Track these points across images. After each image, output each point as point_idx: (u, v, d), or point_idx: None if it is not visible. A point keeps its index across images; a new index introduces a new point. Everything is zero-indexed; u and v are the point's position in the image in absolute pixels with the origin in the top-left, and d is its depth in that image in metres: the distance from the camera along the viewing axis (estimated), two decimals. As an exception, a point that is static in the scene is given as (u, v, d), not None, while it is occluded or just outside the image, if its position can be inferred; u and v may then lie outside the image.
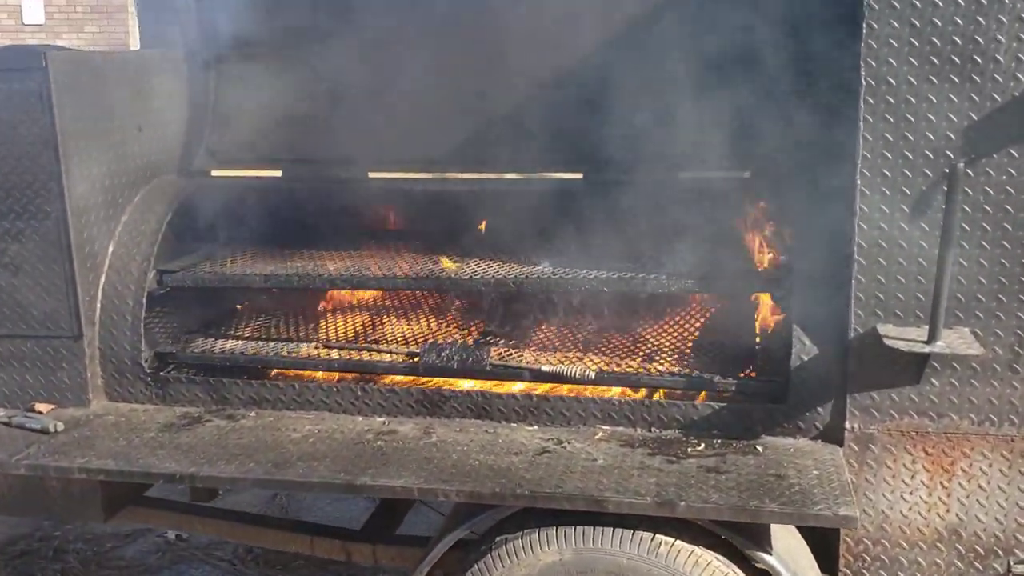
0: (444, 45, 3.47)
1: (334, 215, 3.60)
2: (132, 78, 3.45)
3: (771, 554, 2.51)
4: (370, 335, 3.41)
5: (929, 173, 2.54)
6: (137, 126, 3.48)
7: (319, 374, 3.30)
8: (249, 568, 4.41)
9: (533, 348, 3.19)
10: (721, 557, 2.52)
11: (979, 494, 2.71)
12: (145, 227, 3.35)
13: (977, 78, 2.47)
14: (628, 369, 3.01)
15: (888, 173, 2.56)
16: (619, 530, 2.53)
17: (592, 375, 2.95)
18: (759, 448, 2.75)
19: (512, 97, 3.40)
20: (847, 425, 2.73)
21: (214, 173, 3.82)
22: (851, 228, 2.61)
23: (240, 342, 3.40)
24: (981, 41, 2.45)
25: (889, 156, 2.55)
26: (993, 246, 2.55)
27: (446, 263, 3.28)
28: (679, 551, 2.50)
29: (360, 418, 3.09)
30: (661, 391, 3.01)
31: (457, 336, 3.32)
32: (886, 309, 2.64)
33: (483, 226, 3.59)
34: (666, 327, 3.28)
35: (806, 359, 2.76)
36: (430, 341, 3.22)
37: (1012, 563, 2.68)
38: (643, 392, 3.01)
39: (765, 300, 3.08)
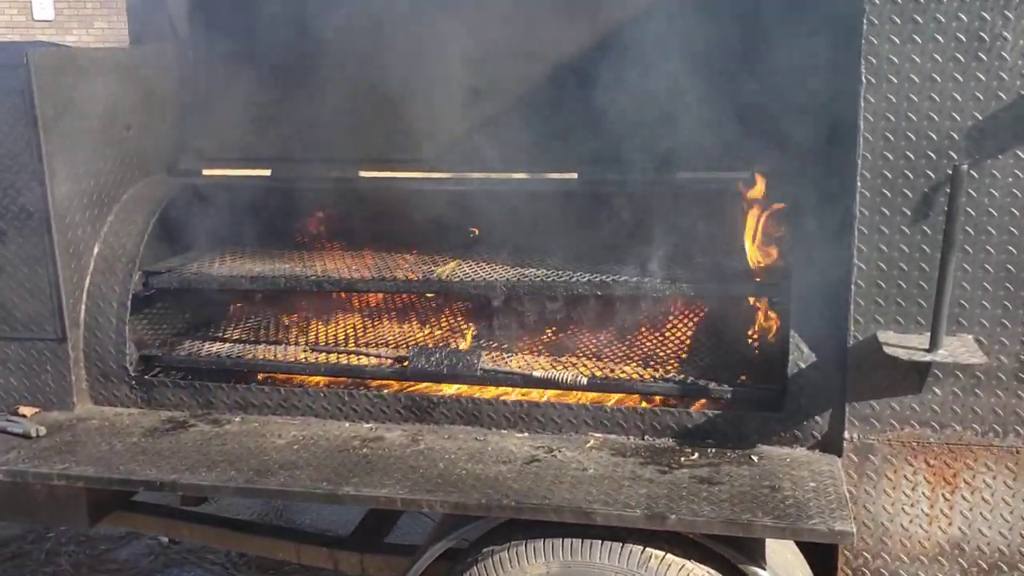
0: (438, 41, 3.39)
1: (325, 215, 3.52)
2: (120, 76, 3.38)
3: (765, 569, 2.43)
4: (361, 339, 3.34)
5: (932, 175, 2.44)
6: (125, 125, 3.41)
7: (309, 379, 3.23)
8: (241, 572, 4.35)
9: (525, 353, 3.11)
10: (713, 572, 2.43)
11: (983, 507, 2.62)
12: (131, 228, 3.29)
13: (982, 76, 2.37)
14: (622, 375, 2.93)
15: (889, 174, 2.47)
16: (608, 543, 2.45)
17: (584, 381, 2.87)
18: (754, 458, 2.67)
19: (505, 95, 3.32)
20: (846, 435, 2.64)
21: (205, 172, 3.75)
22: (851, 231, 2.52)
23: (227, 345, 3.33)
24: (987, 38, 2.35)
25: (890, 157, 2.46)
26: (998, 251, 2.46)
27: (437, 265, 3.20)
28: (669, 565, 2.42)
29: (347, 424, 3.02)
30: (655, 398, 2.92)
31: (448, 340, 3.24)
32: (887, 315, 2.55)
33: (476, 228, 3.52)
34: (662, 332, 3.19)
35: (804, 366, 2.67)
36: (419, 345, 3.14)
37: (1017, 579, 2.60)
38: (636, 399, 2.93)
39: (764, 305, 2.99)
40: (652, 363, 2.98)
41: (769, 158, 3.00)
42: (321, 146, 3.48)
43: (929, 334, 2.43)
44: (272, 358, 3.20)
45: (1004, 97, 2.37)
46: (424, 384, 3.09)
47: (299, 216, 3.51)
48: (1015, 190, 2.41)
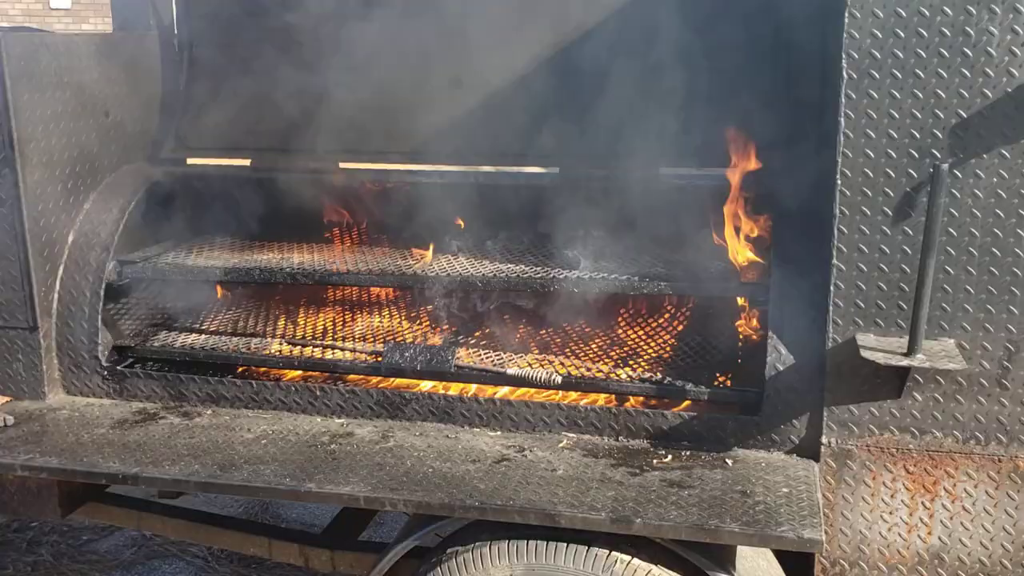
0: (419, 32, 3.33)
1: (305, 206, 3.46)
2: (99, 62, 3.33)
3: (734, 576, 2.37)
4: (337, 332, 3.29)
5: (914, 173, 2.37)
6: (104, 111, 3.37)
7: (282, 372, 3.18)
8: (222, 565, 4.31)
9: (501, 350, 3.05)
10: (680, 578, 2.37)
11: (963, 516, 2.54)
12: (106, 216, 3.25)
13: (967, 72, 2.29)
14: (598, 374, 2.86)
15: (870, 173, 2.39)
16: (573, 546, 2.39)
17: (558, 380, 2.81)
18: (729, 462, 2.60)
19: (488, 87, 3.25)
20: (824, 439, 2.57)
21: (189, 161, 3.71)
22: (830, 231, 2.45)
23: (202, 337, 3.29)
24: (972, 33, 2.27)
25: (871, 155, 2.38)
26: (982, 253, 2.38)
27: (415, 259, 3.15)
28: (635, 570, 2.36)
29: (319, 419, 2.97)
30: (631, 398, 2.86)
31: (423, 336, 3.19)
32: (866, 318, 2.48)
33: (460, 222, 3.45)
34: (642, 332, 3.13)
35: (782, 369, 2.61)
36: (394, 341, 3.09)
37: (997, 591, 2.52)
38: (612, 399, 2.87)
39: (746, 305, 2.93)
40: (630, 362, 2.92)
41: (754, 154, 2.92)
42: (302, 137, 3.42)
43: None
44: (246, 351, 3.15)
45: (990, 95, 2.29)
46: (400, 380, 3.03)
47: (280, 207, 3.45)
48: (1000, 191, 2.34)
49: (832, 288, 2.47)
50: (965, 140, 2.32)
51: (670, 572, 2.37)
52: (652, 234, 3.01)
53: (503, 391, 2.92)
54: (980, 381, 2.45)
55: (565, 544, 2.39)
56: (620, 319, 3.18)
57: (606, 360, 2.95)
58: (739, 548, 2.49)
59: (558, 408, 2.79)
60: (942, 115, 2.32)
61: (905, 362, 2.32)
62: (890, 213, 2.40)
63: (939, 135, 2.33)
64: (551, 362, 2.95)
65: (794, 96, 2.91)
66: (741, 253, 2.89)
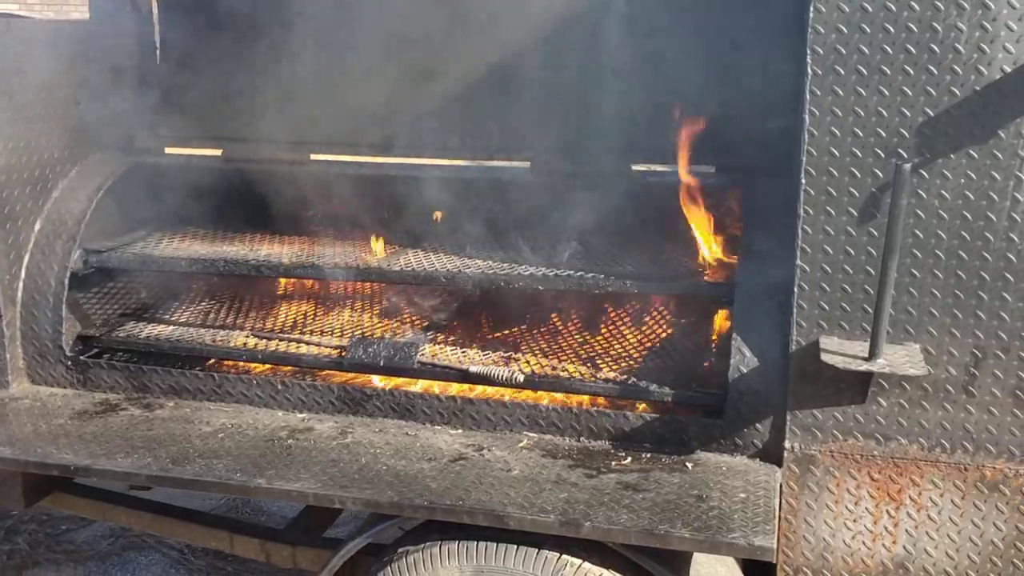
0: (396, 23, 3.28)
1: (277, 198, 3.43)
2: (70, 49, 3.30)
3: (687, 583, 2.32)
4: (307, 326, 3.25)
5: (879, 173, 2.30)
6: (74, 99, 3.34)
7: (246, 365, 3.15)
8: (198, 558, 4.29)
9: (467, 347, 3.00)
10: (632, 583, 2.32)
11: (928, 526, 2.48)
12: (74, 205, 3.22)
13: (934, 69, 2.22)
14: (563, 373, 2.81)
15: (835, 172, 2.33)
16: (524, 548, 2.35)
17: (520, 378, 2.76)
18: (689, 465, 2.55)
19: (461, 81, 3.20)
20: (787, 444, 2.51)
21: (167, 151, 3.67)
22: (794, 231, 2.39)
23: (169, 328, 3.26)
24: (940, 29, 2.20)
25: (836, 154, 2.32)
26: (948, 256, 2.32)
27: (380, 253, 3.11)
28: (586, 574, 2.31)
29: (280, 413, 2.93)
30: (594, 398, 2.81)
31: (388, 331, 3.14)
32: (830, 320, 2.42)
33: (438, 215, 3.41)
34: (609, 331, 3.07)
35: (745, 371, 2.55)
36: (358, 335, 3.05)
37: (962, 604, 2.46)
38: (574, 399, 2.82)
39: (714, 305, 2.87)
40: (595, 362, 2.87)
41: (725, 152, 2.87)
42: (275, 128, 3.38)
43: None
44: (210, 343, 3.11)
45: (957, 93, 2.22)
46: (361, 376, 2.99)
47: (253, 198, 3.41)
48: (967, 192, 2.27)
49: (796, 289, 2.41)
50: (932, 139, 2.26)
51: (621, 577, 2.32)
52: (621, 232, 2.96)
53: (465, 389, 2.87)
54: (946, 387, 2.39)
55: (515, 546, 2.35)
56: (587, 318, 3.12)
57: (571, 359, 2.89)
58: (696, 554, 2.44)
59: (519, 407, 2.74)
60: (908, 113, 2.25)
61: (865, 367, 2.26)
62: (855, 213, 2.34)
63: (905, 134, 2.26)
64: (516, 360, 2.90)
65: (767, 91, 2.84)
66: (710, 252, 2.83)
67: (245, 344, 3.11)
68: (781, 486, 2.49)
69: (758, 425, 2.56)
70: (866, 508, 2.50)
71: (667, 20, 2.90)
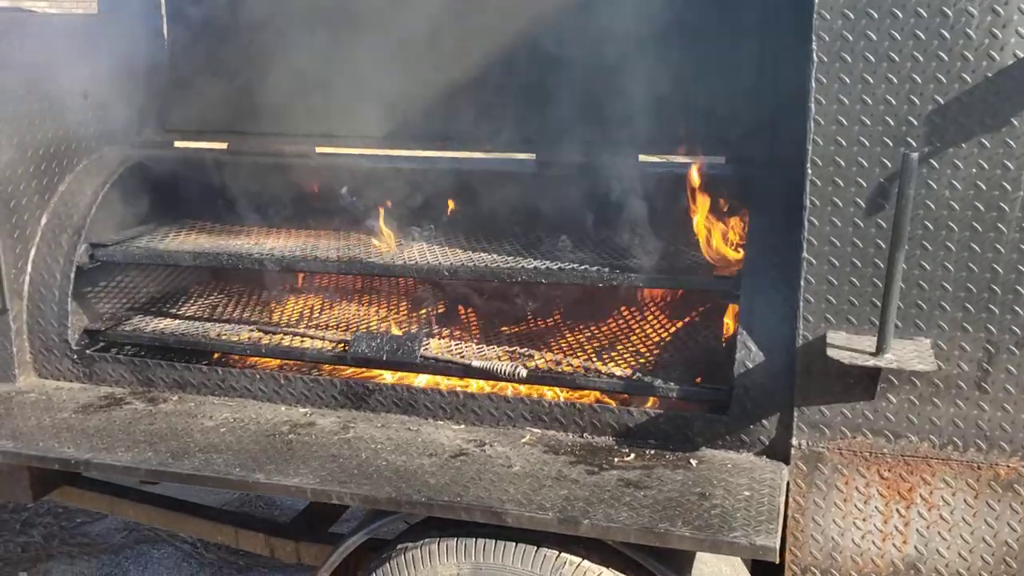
0: (402, 16, 3.25)
1: (285, 191, 3.42)
2: (78, 42, 3.29)
3: (689, 582, 2.27)
4: (309, 320, 3.23)
5: (887, 163, 2.23)
6: (82, 93, 3.34)
7: (249, 360, 3.13)
8: (210, 551, 4.30)
9: (471, 342, 2.97)
10: (633, 583, 2.28)
11: (940, 525, 2.41)
12: (80, 198, 3.22)
13: (944, 56, 2.15)
14: (566, 368, 2.77)
15: (842, 162, 2.27)
16: (522, 545, 2.31)
17: (523, 373, 2.72)
18: (693, 462, 2.50)
19: (468, 73, 3.16)
20: (794, 441, 2.45)
21: (177, 144, 3.67)
22: (801, 222, 2.32)
23: (175, 322, 3.25)
24: (950, 14, 2.13)
25: (843, 143, 2.25)
26: (960, 248, 2.24)
27: (384, 247, 3.08)
28: (585, 572, 2.27)
29: (283, 408, 2.91)
30: (597, 394, 2.76)
31: (392, 325, 3.12)
32: (838, 314, 2.35)
33: (443, 208, 3.38)
34: (614, 325, 3.03)
35: (751, 366, 2.49)
36: (361, 330, 3.03)
37: (974, 605, 2.39)
38: (577, 394, 2.77)
39: (720, 299, 2.81)
40: (601, 357, 2.82)
41: (731, 142, 2.81)
42: (281, 121, 3.37)
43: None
44: (214, 337, 3.10)
45: (968, 80, 2.15)
46: (362, 370, 2.97)
47: (260, 191, 3.40)
48: (979, 182, 2.20)
49: (802, 283, 2.35)
50: (942, 128, 2.19)
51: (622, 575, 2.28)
52: (626, 224, 2.90)
53: (467, 383, 2.84)
54: (958, 383, 2.32)
55: (514, 544, 2.32)
56: (592, 312, 3.08)
57: (575, 354, 2.85)
58: (699, 553, 2.39)
59: (521, 402, 2.71)
60: (918, 101, 2.19)
61: (872, 362, 2.19)
62: (863, 205, 2.27)
63: (914, 122, 2.20)
64: (520, 355, 2.86)
65: (773, 82, 2.78)
66: (717, 245, 2.78)
67: (249, 338, 3.10)
68: (788, 484, 2.43)
69: (764, 421, 2.50)
70: (876, 507, 2.44)
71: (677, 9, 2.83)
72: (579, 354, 2.85)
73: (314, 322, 3.24)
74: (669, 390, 2.61)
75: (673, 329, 2.94)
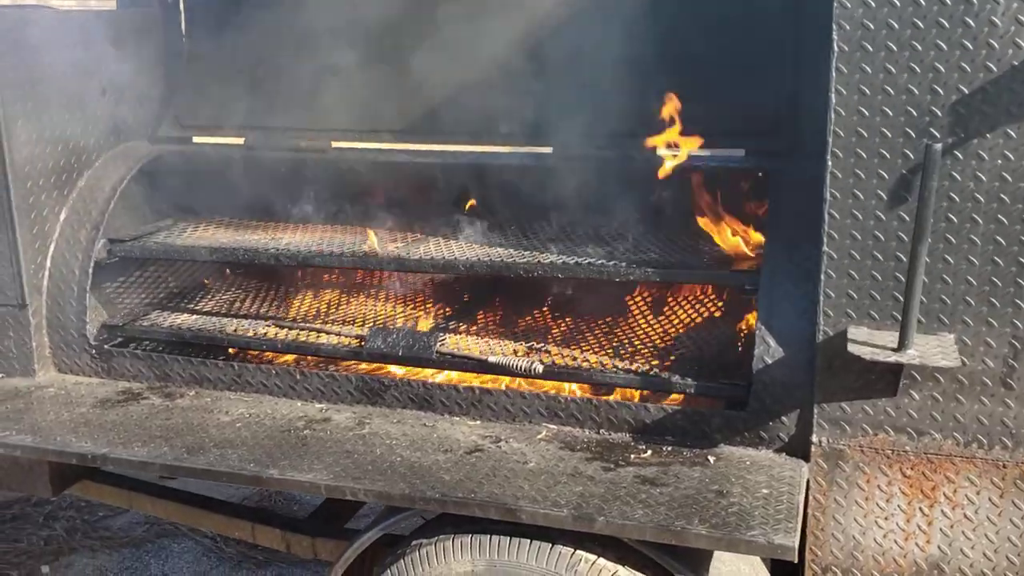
0: (420, 8, 3.23)
1: (302, 186, 3.41)
2: (95, 39, 3.30)
3: (706, 581, 2.24)
4: (325, 315, 3.23)
5: (910, 154, 2.19)
6: (100, 89, 3.35)
7: (265, 355, 3.13)
8: (229, 546, 4.31)
9: (487, 337, 2.95)
10: (649, 581, 2.25)
11: (964, 525, 2.36)
12: (99, 194, 3.23)
13: (969, 44, 2.10)
14: (583, 364, 2.74)
15: (863, 154, 2.22)
16: (537, 542, 2.29)
17: (539, 369, 2.70)
18: (711, 459, 2.46)
19: (482, 65, 3.13)
20: (814, 438, 2.41)
21: (195, 140, 3.67)
22: (821, 216, 2.28)
23: (192, 317, 3.26)
24: (974, 1, 2.08)
25: (864, 134, 2.21)
26: (985, 241, 2.19)
27: (400, 241, 3.06)
28: (600, 570, 2.25)
29: (299, 403, 2.91)
30: (614, 390, 2.73)
31: (409, 320, 3.10)
32: (859, 309, 2.31)
33: (461, 202, 3.36)
34: (632, 320, 2.99)
35: (770, 362, 2.45)
36: (377, 325, 3.01)
37: (1000, 607, 2.34)
38: (594, 390, 2.74)
39: (739, 294, 2.76)
40: (617, 352, 2.79)
41: (750, 134, 2.76)
42: (298, 116, 3.36)
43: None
44: (230, 332, 3.10)
45: (994, 68, 2.10)
46: (379, 366, 2.96)
47: (277, 186, 3.39)
48: (1004, 174, 2.14)
49: (822, 277, 2.31)
50: (967, 118, 2.13)
51: (638, 574, 2.25)
52: (644, 218, 2.87)
53: (483, 379, 2.82)
54: (983, 380, 2.27)
55: (528, 540, 2.29)
56: (609, 307, 3.05)
57: (592, 349, 2.82)
58: (717, 551, 2.35)
59: (538, 398, 2.68)
60: (941, 91, 2.13)
61: (893, 358, 2.15)
62: (884, 197, 2.23)
63: (938, 113, 2.15)
64: (536, 350, 2.84)
65: (794, 73, 2.74)
66: (736, 239, 2.73)
67: (265, 334, 3.09)
68: (808, 482, 2.39)
69: (784, 418, 2.46)
70: (898, 506, 2.39)
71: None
72: (596, 349, 2.82)
73: (330, 317, 3.23)
74: (687, 386, 2.57)
75: (691, 324, 2.90)
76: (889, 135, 2.19)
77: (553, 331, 3.00)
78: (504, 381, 2.82)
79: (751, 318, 2.68)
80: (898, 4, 2.12)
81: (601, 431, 2.63)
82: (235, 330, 3.12)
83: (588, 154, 2.98)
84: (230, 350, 3.30)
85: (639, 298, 3.06)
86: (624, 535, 2.18)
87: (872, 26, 2.15)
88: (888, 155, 2.20)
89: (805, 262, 2.44)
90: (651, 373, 2.64)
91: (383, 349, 2.86)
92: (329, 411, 2.84)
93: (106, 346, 3.13)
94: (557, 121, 2.98)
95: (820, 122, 2.26)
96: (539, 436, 2.63)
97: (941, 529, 2.38)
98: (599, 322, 3.01)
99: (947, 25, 2.10)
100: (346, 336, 3.01)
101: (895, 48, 2.14)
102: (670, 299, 3.03)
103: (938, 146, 2.05)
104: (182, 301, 3.45)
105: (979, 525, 2.35)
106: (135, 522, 4.56)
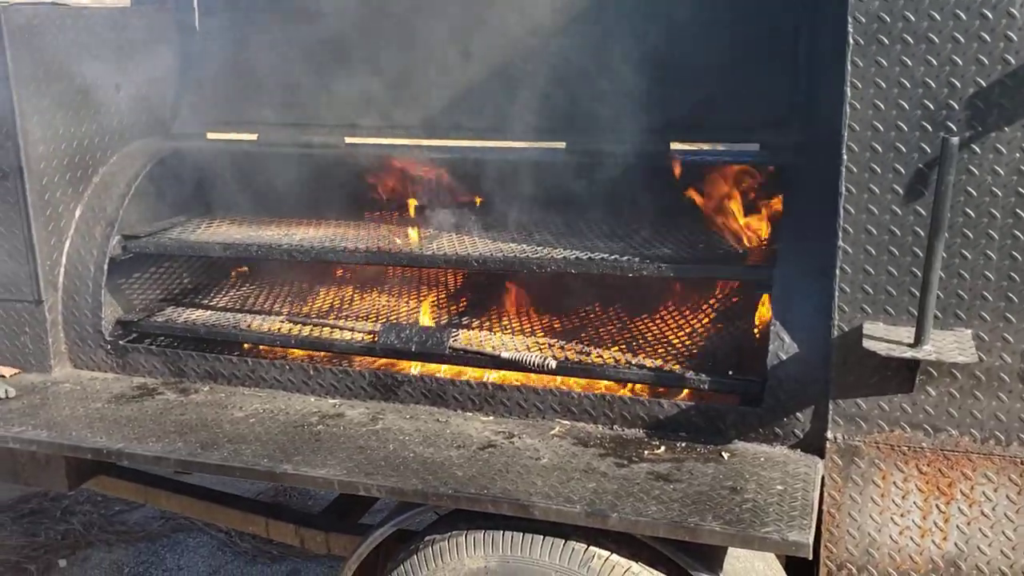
0: (432, 6, 3.23)
1: (315, 182, 3.41)
2: (111, 36, 3.32)
3: (720, 578, 2.22)
4: (339, 310, 3.23)
5: (926, 148, 2.16)
6: (114, 86, 3.36)
7: (279, 350, 3.14)
8: (244, 540, 4.33)
9: (501, 332, 2.94)
10: (662, 577, 2.24)
11: (982, 522, 2.34)
12: (113, 190, 3.24)
13: (987, 37, 2.08)
14: (597, 359, 2.73)
15: (879, 148, 2.20)
16: (550, 539, 2.28)
17: (552, 364, 2.69)
18: (725, 455, 2.45)
19: (496, 61, 3.13)
20: (829, 435, 2.40)
21: (209, 136, 3.68)
22: (836, 210, 2.26)
23: (207, 313, 3.27)
24: (993, -8, 2.06)
25: (880, 128, 2.19)
26: (1003, 236, 2.17)
27: (414, 237, 3.06)
28: (613, 567, 2.24)
29: (312, 398, 2.91)
30: (628, 385, 2.72)
31: (422, 316, 3.10)
32: (875, 304, 2.29)
33: (474, 198, 3.36)
34: (646, 316, 2.98)
35: (785, 358, 2.44)
36: (390, 320, 3.01)
37: (1018, 605, 2.32)
38: (607, 385, 2.73)
39: (753, 289, 2.75)
40: (630, 348, 2.78)
41: (765, 129, 2.74)
42: (311, 111, 3.36)
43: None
44: (244, 328, 3.11)
45: (1012, 61, 2.07)
46: (392, 361, 2.96)
47: (290, 183, 3.39)
48: (1022, 167, 2.12)
49: (838, 272, 2.29)
50: (984, 112, 2.11)
51: (651, 570, 2.24)
52: (658, 213, 2.86)
53: (496, 375, 2.81)
54: (1000, 376, 2.24)
55: (542, 537, 2.28)
56: (623, 302, 3.03)
57: (605, 344, 2.81)
58: (731, 548, 2.34)
59: (551, 394, 2.67)
60: (958, 84, 2.11)
61: (909, 354, 2.13)
62: (901, 191, 2.21)
63: (955, 106, 2.12)
64: (551, 346, 2.83)
65: (808, 67, 2.71)
66: (751, 234, 2.72)
67: (279, 329, 3.10)
68: (823, 478, 2.38)
69: (798, 414, 2.45)
70: (914, 502, 2.37)
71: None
72: (609, 345, 2.81)
73: (344, 313, 3.23)
74: (701, 382, 2.56)
75: (705, 319, 2.88)
76: (905, 129, 2.17)
77: (566, 326, 2.98)
78: (517, 377, 2.81)
79: (766, 313, 2.66)
80: (915, -4, 2.10)
81: (614, 427, 2.62)
82: (249, 326, 3.12)
83: (601, 150, 2.96)
84: (244, 346, 3.32)
85: (653, 294, 3.05)
86: (637, 531, 2.18)
87: (888, 19, 2.13)
88: (904, 149, 2.18)
89: (820, 257, 2.41)
90: (665, 369, 2.63)
91: (396, 345, 2.86)
92: (342, 406, 2.84)
93: (121, 342, 3.15)
94: (570, 117, 2.97)
95: (835, 116, 2.24)
96: (552, 432, 2.63)
97: (958, 526, 2.36)
98: (612, 318, 2.99)
99: (964, 17, 2.08)
100: (359, 332, 3.01)
101: (911, 41, 2.12)
102: (683, 294, 3.01)
103: (955, 140, 2.03)
104: (196, 297, 3.47)
105: (997, 522, 2.33)
106: (150, 517, 4.58)
